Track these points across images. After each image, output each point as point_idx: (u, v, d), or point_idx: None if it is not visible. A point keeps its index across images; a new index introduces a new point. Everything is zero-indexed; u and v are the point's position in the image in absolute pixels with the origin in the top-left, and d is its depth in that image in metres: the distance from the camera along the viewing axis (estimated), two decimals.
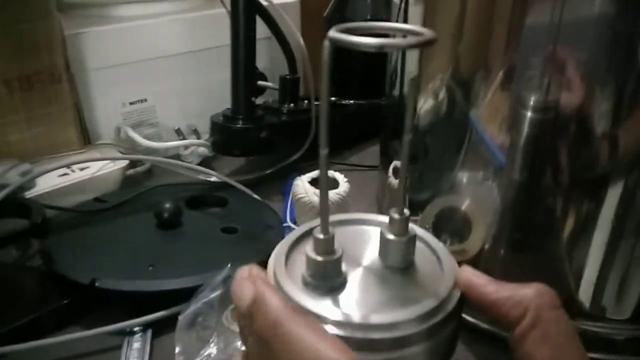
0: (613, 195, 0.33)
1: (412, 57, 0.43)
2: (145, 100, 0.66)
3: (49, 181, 0.53)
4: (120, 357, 0.38)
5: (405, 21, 0.43)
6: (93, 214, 0.50)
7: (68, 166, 0.55)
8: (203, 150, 0.64)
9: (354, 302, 0.21)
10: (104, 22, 0.63)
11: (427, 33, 0.18)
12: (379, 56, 0.65)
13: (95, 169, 0.56)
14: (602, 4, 0.30)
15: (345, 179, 0.51)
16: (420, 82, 0.40)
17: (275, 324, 0.20)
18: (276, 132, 0.60)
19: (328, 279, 0.22)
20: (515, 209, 0.36)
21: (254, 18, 0.57)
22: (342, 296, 0.22)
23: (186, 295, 0.39)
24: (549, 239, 0.36)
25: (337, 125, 0.70)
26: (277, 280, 0.22)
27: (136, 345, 0.39)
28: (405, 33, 0.20)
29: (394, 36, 0.21)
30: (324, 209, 0.21)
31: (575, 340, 0.21)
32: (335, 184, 0.50)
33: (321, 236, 0.22)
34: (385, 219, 0.24)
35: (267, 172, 0.61)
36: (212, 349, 0.36)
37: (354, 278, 0.23)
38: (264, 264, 0.23)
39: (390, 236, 0.23)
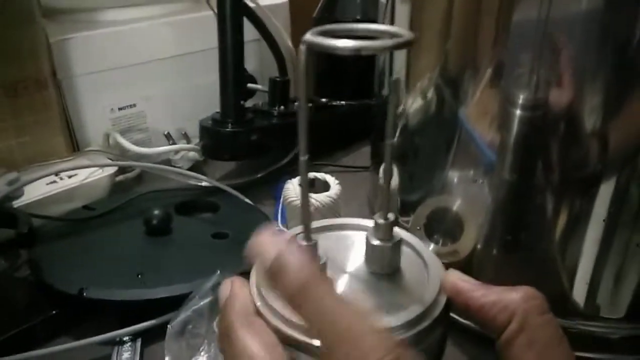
0: (605, 193, 0.33)
1: (400, 56, 0.42)
2: (134, 105, 0.66)
3: (37, 189, 0.52)
4: None
5: (392, 20, 0.43)
6: (81, 222, 0.49)
7: (56, 174, 0.54)
8: (193, 154, 0.63)
9: None
10: (90, 27, 0.62)
11: (406, 34, 0.18)
12: (370, 56, 0.65)
13: (84, 176, 0.55)
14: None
15: (337, 182, 0.50)
16: (408, 82, 0.40)
17: (228, 327, 0.20)
18: (266, 135, 0.59)
19: None
20: (506, 209, 0.36)
21: (241, 21, 0.56)
22: None
23: (176, 303, 0.38)
24: (542, 238, 0.36)
25: (329, 126, 0.70)
26: (260, 291, 0.21)
27: (126, 355, 0.38)
28: (384, 35, 0.19)
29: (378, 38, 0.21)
30: (305, 216, 0.21)
31: (564, 345, 0.21)
32: (326, 186, 0.49)
33: (304, 243, 0.21)
34: (371, 223, 0.23)
35: (258, 175, 0.61)
36: (202, 357, 0.36)
37: (339, 285, 0.22)
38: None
39: (376, 241, 0.22)
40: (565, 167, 0.33)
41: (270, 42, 0.61)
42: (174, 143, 0.64)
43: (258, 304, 0.21)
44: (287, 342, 0.20)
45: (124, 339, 0.39)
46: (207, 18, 0.60)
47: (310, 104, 0.69)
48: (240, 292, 0.22)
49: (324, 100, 0.70)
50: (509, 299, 0.21)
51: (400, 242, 0.23)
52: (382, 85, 0.48)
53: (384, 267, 0.23)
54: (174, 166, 0.63)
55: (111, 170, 0.57)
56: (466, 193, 0.38)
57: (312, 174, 0.50)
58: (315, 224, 0.25)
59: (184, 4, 0.71)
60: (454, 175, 0.38)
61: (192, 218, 0.52)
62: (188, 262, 0.44)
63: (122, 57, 0.63)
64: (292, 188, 0.48)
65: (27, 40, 0.55)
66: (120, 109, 0.65)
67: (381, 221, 0.22)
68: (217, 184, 0.56)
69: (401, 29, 0.19)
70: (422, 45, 0.39)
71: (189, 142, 0.66)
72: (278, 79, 0.62)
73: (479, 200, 0.37)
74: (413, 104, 0.40)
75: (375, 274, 0.23)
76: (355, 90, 0.72)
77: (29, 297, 0.43)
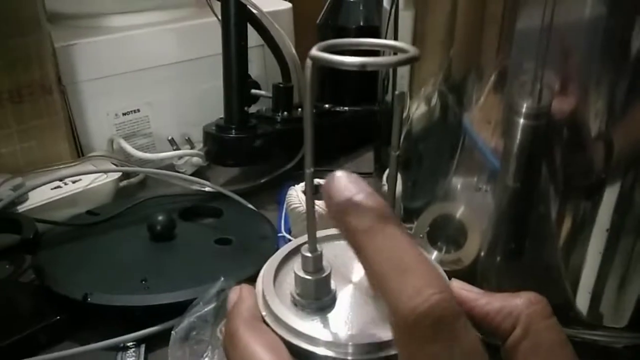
0: (608, 202, 0.33)
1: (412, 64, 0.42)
2: (138, 110, 0.66)
3: (42, 195, 0.52)
4: None
5: (395, 26, 0.43)
6: (85, 227, 0.50)
7: (60, 179, 0.54)
8: (197, 160, 0.63)
9: (343, 322, 0.21)
10: (95, 33, 0.63)
11: (411, 50, 0.18)
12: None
13: (88, 182, 0.55)
14: (594, 6, 0.29)
15: None
16: (412, 89, 0.40)
17: (233, 330, 0.20)
18: (270, 141, 0.60)
19: (317, 297, 0.21)
20: (510, 216, 0.36)
21: (245, 27, 0.57)
22: (331, 315, 0.21)
23: (180, 309, 0.38)
24: (545, 246, 0.36)
25: (332, 131, 0.70)
26: (266, 300, 0.22)
27: None
28: (390, 50, 0.20)
29: (383, 53, 0.21)
30: (311, 226, 0.21)
31: (568, 350, 0.21)
32: None
33: (309, 254, 0.21)
34: None
35: (262, 181, 0.61)
36: None
37: (344, 295, 0.22)
38: (258, 276, 0.23)
39: None
40: (568, 176, 0.33)
41: (274, 48, 0.62)
42: (178, 148, 0.64)
43: (264, 313, 0.21)
44: (293, 352, 0.20)
45: (128, 344, 0.39)
46: (211, 24, 0.60)
47: (313, 110, 0.69)
48: (247, 298, 0.22)
49: (327, 105, 0.70)
50: (512, 305, 0.21)
51: None
52: (386, 91, 0.48)
53: None
54: (178, 171, 0.63)
55: (115, 175, 0.57)
56: (470, 200, 0.38)
57: (315, 181, 0.50)
58: (319, 233, 0.25)
59: (188, 10, 0.71)
60: (457, 182, 0.38)
61: (196, 223, 0.53)
62: (192, 268, 0.44)
63: (127, 63, 0.64)
64: (296, 194, 0.48)
65: (33, 46, 0.56)
66: (124, 114, 0.65)
67: None
68: (221, 189, 0.56)
69: (406, 44, 0.19)
70: (426, 52, 0.39)
71: (192, 147, 0.66)
72: (281, 85, 0.62)
73: (483, 208, 0.37)
74: (417, 111, 0.40)
75: None
76: (359, 95, 0.73)
77: (33, 302, 0.43)
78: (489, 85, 0.34)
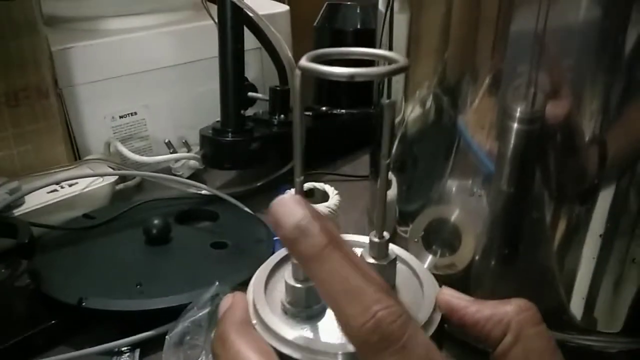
0: (602, 207, 0.33)
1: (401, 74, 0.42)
2: (135, 113, 0.66)
3: (38, 198, 0.52)
4: None
5: (390, 29, 0.43)
6: (81, 231, 0.50)
7: (57, 183, 0.54)
8: (194, 163, 0.63)
9: (333, 330, 0.21)
10: (91, 37, 0.63)
11: (401, 60, 0.18)
12: (370, 65, 0.65)
13: (85, 185, 0.55)
14: (588, 9, 0.29)
15: (336, 192, 0.50)
16: (406, 91, 0.40)
17: (223, 333, 0.20)
18: (267, 144, 0.60)
19: (307, 305, 0.21)
20: (504, 221, 0.36)
21: (241, 30, 0.57)
22: (322, 324, 0.21)
23: (175, 313, 0.38)
24: (539, 251, 0.36)
25: (329, 134, 0.70)
26: (256, 309, 0.22)
27: None
28: (380, 59, 0.20)
29: (378, 63, 0.21)
30: None
31: (558, 356, 0.21)
32: (325, 196, 0.49)
33: None
34: (367, 239, 0.24)
35: (258, 184, 0.61)
36: None
37: None
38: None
39: (370, 259, 0.23)
40: (562, 180, 0.33)
41: (271, 51, 0.62)
42: (175, 151, 0.64)
43: (254, 321, 0.21)
44: None
45: (123, 349, 0.39)
46: (208, 27, 0.60)
47: (310, 113, 0.69)
48: (239, 303, 0.22)
49: (323, 108, 0.70)
50: (502, 312, 0.21)
51: (395, 260, 0.23)
52: (381, 94, 0.48)
53: None
54: (174, 174, 0.63)
55: (112, 178, 0.57)
56: (464, 204, 0.38)
57: (311, 184, 0.50)
58: None
59: (184, 13, 0.71)
60: (452, 186, 0.38)
61: (192, 227, 0.53)
62: (187, 272, 0.44)
63: (123, 66, 0.64)
64: None
65: (29, 49, 0.56)
66: (121, 117, 0.65)
67: (376, 240, 0.22)
68: (217, 192, 0.56)
69: (396, 54, 0.19)
70: (421, 55, 0.39)
71: (189, 150, 0.66)
72: (278, 88, 0.62)
73: (477, 212, 0.37)
74: (412, 114, 0.40)
75: None
76: (355, 98, 0.73)
77: (28, 307, 0.43)
78: (484, 89, 0.34)
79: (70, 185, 0.55)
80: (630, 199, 0.32)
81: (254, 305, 0.22)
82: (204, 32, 0.64)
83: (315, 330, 0.21)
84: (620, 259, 0.34)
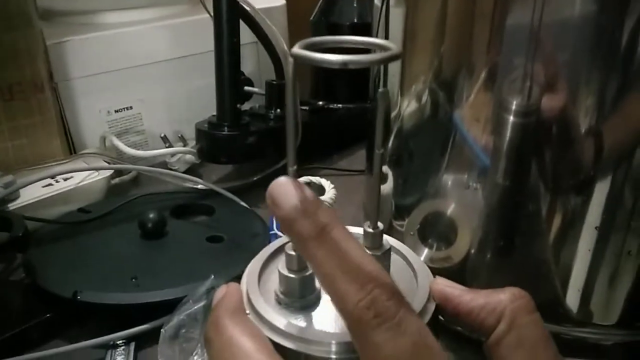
0: (598, 200, 0.33)
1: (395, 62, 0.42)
2: (131, 107, 0.66)
3: (33, 192, 0.52)
4: None
5: (386, 23, 0.43)
6: (77, 225, 0.49)
7: (52, 177, 0.54)
8: (190, 157, 0.63)
9: (327, 320, 0.21)
10: (87, 30, 0.62)
11: (394, 48, 0.18)
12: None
13: (80, 179, 0.55)
14: (583, 3, 0.29)
15: (332, 186, 0.50)
16: (402, 86, 0.40)
17: (216, 319, 0.20)
18: (263, 138, 0.59)
19: (301, 296, 0.21)
20: (500, 214, 0.36)
21: (237, 23, 0.56)
22: (316, 314, 0.21)
23: (170, 307, 0.38)
24: (535, 244, 0.36)
25: (325, 129, 0.70)
26: (250, 299, 0.21)
27: (119, 358, 0.38)
28: (373, 47, 0.20)
29: (374, 51, 0.21)
30: None
31: (551, 345, 0.21)
32: (321, 190, 0.49)
33: (293, 252, 0.21)
34: (361, 231, 0.23)
35: (255, 178, 0.61)
36: None
37: None
38: None
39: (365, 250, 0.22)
40: (558, 173, 0.33)
41: (267, 45, 0.61)
42: (171, 146, 0.64)
43: (248, 312, 0.21)
44: (277, 350, 0.20)
45: (118, 342, 0.39)
46: (204, 21, 0.60)
47: (306, 107, 0.69)
48: (233, 292, 0.22)
49: (320, 103, 0.70)
50: (496, 300, 0.21)
51: (389, 250, 0.23)
52: (377, 89, 0.48)
53: None
54: (170, 169, 0.63)
55: (107, 173, 0.57)
56: (460, 198, 0.38)
57: (307, 178, 0.50)
58: None
59: (180, 7, 0.71)
60: (448, 180, 0.38)
61: (188, 221, 0.53)
62: (182, 266, 0.44)
63: (119, 60, 0.64)
64: None
65: (24, 43, 0.55)
66: (116, 111, 0.65)
67: (370, 230, 0.22)
68: (213, 186, 0.56)
69: (391, 42, 0.19)
70: (417, 49, 0.39)
71: (185, 144, 0.66)
72: (274, 82, 0.62)
73: (473, 205, 0.37)
74: (408, 108, 0.40)
75: None
76: (352, 93, 0.72)
77: (23, 300, 0.43)
78: (479, 83, 0.34)
79: (65, 179, 0.55)
80: (625, 191, 0.32)
81: (248, 296, 0.22)
82: (200, 26, 0.64)
83: (309, 320, 0.21)
84: (615, 251, 0.34)
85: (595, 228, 0.33)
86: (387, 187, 0.43)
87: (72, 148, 0.63)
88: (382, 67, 0.46)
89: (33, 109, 0.57)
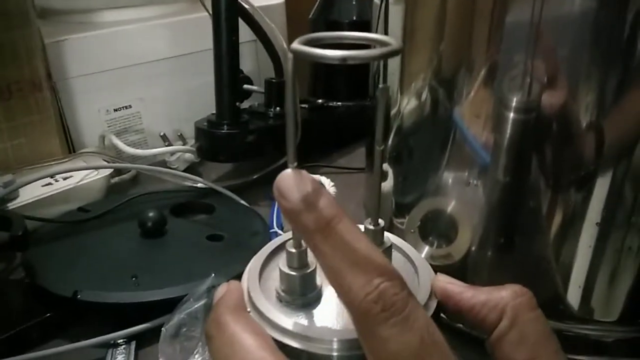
0: (598, 196, 0.33)
1: (394, 57, 0.42)
2: (130, 106, 0.66)
3: (33, 191, 0.52)
4: None
5: (385, 21, 0.42)
6: (76, 224, 0.49)
7: (51, 176, 0.54)
8: (189, 156, 0.63)
9: (328, 318, 0.21)
10: (85, 29, 0.62)
11: (394, 43, 0.18)
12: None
13: (79, 178, 0.55)
14: None
15: (332, 183, 0.50)
16: (402, 83, 0.40)
17: (217, 317, 0.20)
18: (262, 136, 0.59)
19: (302, 293, 0.21)
20: (500, 211, 0.36)
21: (236, 21, 0.56)
22: (317, 311, 0.21)
23: (170, 305, 0.38)
24: (535, 240, 0.35)
25: (325, 127, 0.70)
26: (251, 297, 0.21)
27: (120, 357, 0.38)
28: (372, 43, 0.19)
29: (374, 46, 0.20)
30: None
31: (554, 341, 0.21)
32: None
33: (293, 250, 0.21)
34: (362, 228, 0.23)
35: (254, 177, 0.61)
36: None
37: (329, 292, 0.22)
38: None
39: None
40: (558, 170, 0.33)
41: (266, 43, 0.61)
42: (170, 144, 0.64)
43: (249, 309, 0.21)
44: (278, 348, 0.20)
45: (118, 341, 0.39)
46: (203, 19, 0.60)
47: (306, 105, 0.69)
48: (235, 290, 0.22)
49: (319, 101, 0.70)
50: (498, 297, 0.21)
51: (390, 247, 0.23)
52: (377, 86, 0.48)
53: None
54: (170, 167, 0.63)
55: (107, 172, 0.57)
56: (460, 195, 0.38)
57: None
58: None
59: (179, 5, 0.71)
60: (448, 177, 0.38)
61: (187, 220, 0.52)
62: (183, 265, 0.44)
63: (117, 59, 0.63)
64: None
65: (22, 42, 0.55)
66: (115, 110, 0.65)
67: (371, 227, 0.22)
68: (213, 185, 0.56)
69: (390, 37, 0.18)
70: (416, 46, 0.38)
71: (185, 143, 0.66)
72: (274, 80, 0.62)
73: (474, 202, 0.37)
74: (407, 105, 0.40)
75: None
76: (351, 91, 0.72)
77: (23, 300, 0.43)
78: (479, 80, 0.34)
79: (64, 179, 0.55)
80: (626, 187, 0.32)
81: (249, 294, 0.22)
82: (199, 24, 0.64)
83: (310, 317, 0.21)
84: (616, 247, 0.34)
85: (596, 224, 0.33)
86: (387, 185, 0.43)
87: (71, 147, 0.63)
88: (381, 64, 0.46)
89: (32, 108, 0.57)
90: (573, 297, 0.36)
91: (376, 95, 0.44)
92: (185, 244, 0.47)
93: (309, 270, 0.21)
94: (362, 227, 0.23)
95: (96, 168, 0.56)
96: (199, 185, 0.57)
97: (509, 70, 0.32)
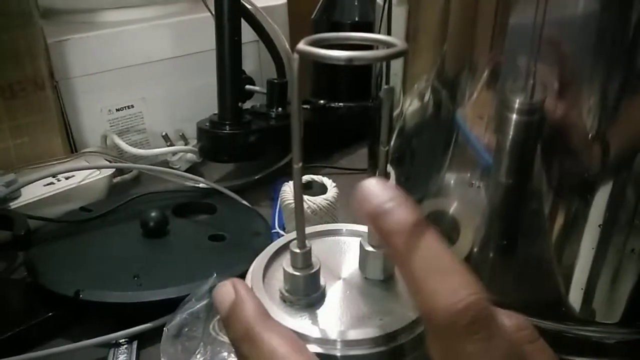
0: (601, 198, 0.33)
1: (397, 59, 0.42)
2: (132, 106, 0.66)
3: (35, 191, 0.52)
4: None
5: (388, 22, 0.42)
6: (78, 223, 0.49)
7: (53, 175, 0.54)
8: (191, 156, 0.63)
9: (332, 318, 0.21)
10: (88, 29, 0.62)
11: (399, 44, 0.18)
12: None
13: (81, 178, 0.55)
14: (587, 1, 0.29)
15: (334, 184, 0.50)
16: (405, 85, 0.40)
17: (247, 331, 0.19)
18: (264, 137, 0.59)
19: (306, 293, 0.21)
20: (502, 213, 0.36)
21: (239, 22, 0.56)
22: (321, 311, 0.21)
23: (172, 305, 0.38)
24: (538, 242, 0.35)
25: (326, 128, 0.70)
26: None
27: (122, 357, 0.38)
28: (378, 44, 0.19)
29: (376, 47, 0.20)
30: (299, 222, 0.21)
31: None
32: (323, 189, 0.49)
33: (297, 250, 0.21)
34: (366, 228, 0.23)
35: (256, 177, 0.61)
36: None
37: (333, 292, 0.22)
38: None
39: (369, 248, 0.22)
40: (561, 172, 0.33)
41: (268, 43, 0.61)
42: (172, 144, 0.64)
43: None
44: None
45: (120, 341, 0.39)
46: (205, 19, 0.60)
47: (307, 106, 0.69)
48: (249, 295, 0.21)
49: (321, 102, 0.70)
50: None
51: None
52: (379, 87, 0.48)
53: (378, 273, 0.23)
54: (172, 168, 0.63)
55: (109, 171, 0.57)
56: (462, 196, 0.38)
57: (309, 177, 0.50)
58: (310, 229, 0.25)
59: (181, 6, 0.71)
60: (450, 178, 0.38)
61: (189, 220, 0.53)
62: (184, 265, 0.44)
63: (120, 59, 0.63)
64: (289, 190, 0.48)
65: (25, 42, 0.55)
66: (117, 110, 0.65)
67: None
68: (215, 185, 0.56)
69: (395, 38, 0.19)
70: (419, 48, 0.38)
71: (186, 143, 0.66)
72: (276, 81, 0.62)
73: (476, 204, 0.37)
74: (410, 107, 0.40)
75: (369, 280, 0.23)
76: (353, 92, 0.72)
77: (25, 299, 0.43)
78: (482, 81, 0.34)
79: (67, 178, 0.55)
80: (628, 189, 0.32)
81: None
82: (202, 24, 0.64)
83: (314, 317, 0.21)
84: (619, 249, 0.33)
85: (599, 226, 0.33)
86: None
87: (73, 147, 0.63)
88: (384, 65, 0.46)
89: (34, 108, 0.57)
90: (575, 299, 0.36)
91: (380, 96, 0.44)
92: (187, 244, 0.47)
93: (312, 271, 0.21)
94: (366, 228, 0.23)
95: (98, 168, 0.56)
96: (201, 185, 0.57)
97: (512, 72, 0.32)
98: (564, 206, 0.34)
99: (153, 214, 0.47)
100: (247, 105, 0.62)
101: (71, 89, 0.61)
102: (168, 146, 0.63)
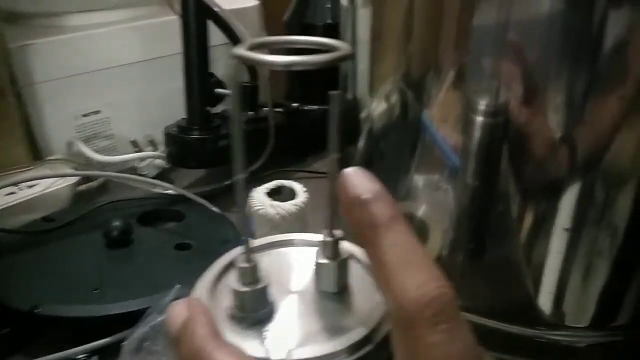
0: (568, 201, 0.32)
1: (363, 60, 0.41)
2: (99, 112, 0.64)
3: None
4: None
5: (353, 24, 0.42)
6: (39, 234, 0.48)
7: (15, 184, 0.52)
8: (160, 162, 0.62)
9: (280, 335, 0.20)
10: (52, 33, 0.61)
11: (344, 48, 0.17)
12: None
13: (45, 187, 0.53)
14: (552, 1, 0.29)
15: (305, 189, 0.49)
16: (372, 86, 0.40)
17: (198, 351, 0.19)
18: None
19: (254, 310, 0.20)
20: (470, 215, 0.36)
21: (205, 25, 0.55)
22: (269, 328, 0.20)
23: (134, 319, 0.37)
24: (506, 246, 0.35)
25: (300, 131, 0.69)
26: None
27: None
28: (323, 47, 0.19)
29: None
30: (246, 234, 0.20)
31: None
32: (293, 194, 0.48)
33: (246, 265, 0.20)
34: (320, 238, 0.22)
35: (227, 183, 0.60)
36: None
37: (284, 307, 0.21)
38: None
39: (323, 260, 0.21)
40: (528, 174, 0.33)
41: None
42: (141, 150, 0.63)
43: None
44: None
45: (80, 357, 0.38)
46: (173, 23, 0.59)
47: (281, 109, 0.68)
48: (201, 314, 0.20)
49: (295, 105, 0.69)
50: None
51: (347, 260, 0.22)
52: (347, 90, 0.47)
53: (332, 286, 0.22)
54: (140, 174, 0.61)
55: (73, 180, 0.55)
56: (431, 199, 0.37)
57: (278, 182, 0.49)
58: (261, 241, 0.24)
59: (148, 9, 0.69)
60: (418, 181, 0.38)
61: (156, 229, 0.51)
62: (148, 276, 0.42)
63: (86, 63, 0.62)
64: (258, 197, 0.47)
65: None
66: (84, 115, 0.63)
67: (328, 239, 0.21)
68: (183, 192, 0.55)
69: (340, 42, 0.18)
70: (385, 49, 0.38)
71: (156, 149, 0.64)
72: (247, 85, 0.61)
73: (444, 207, 0.36)
74: (378, 109, 0.39)
75: (323, 293, 0.22)
76: (327, 95, 0.71)
77: None
78: (448, 83, 0.34)
79: (29, 187, 0.53)
80: (595, 192, 0.32)
81: None
82: (170, 27, 0.62)
83: (261, 335, 0.20)
84: (587, 252, 0.33)
85: (566, 229, 0.33)
86: None
87: (38, 154, 0.61)
88: (350, 68, 0.45)
89: None
90: (544, 302, 0.35)
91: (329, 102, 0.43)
92: (151, 254, 0.46)
93: (260, 286, 0.20)
94: (321, 237, 0.22)
95: (62, 176, 0.54)
96: (170, 192, 0.56)
97: (477, 74, 0.32)
98: (531, 209, 0.33)
99: (116, 224, 0.46)
100: (219, 109, 0.61)
101: (36, 95, 0.60)
102: (136, 152, 0.62)
